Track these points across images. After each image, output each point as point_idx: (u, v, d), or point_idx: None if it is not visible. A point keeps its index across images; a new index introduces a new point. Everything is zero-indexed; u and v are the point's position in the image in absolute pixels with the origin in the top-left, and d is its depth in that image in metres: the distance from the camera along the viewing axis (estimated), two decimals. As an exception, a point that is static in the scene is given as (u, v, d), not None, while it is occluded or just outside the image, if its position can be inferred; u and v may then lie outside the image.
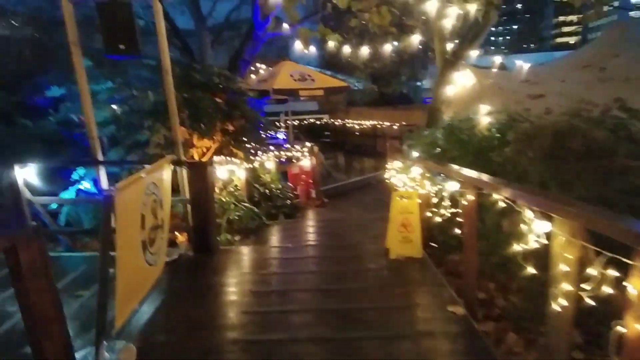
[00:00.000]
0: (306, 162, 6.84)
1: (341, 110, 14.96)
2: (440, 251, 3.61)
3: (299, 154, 6.78)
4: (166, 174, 3.17)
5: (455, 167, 2.70)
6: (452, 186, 2.66)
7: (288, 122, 9.23)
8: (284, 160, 6.78)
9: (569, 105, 4.85)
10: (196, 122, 4.55)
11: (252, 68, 10.16)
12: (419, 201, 3.34)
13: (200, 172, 3.55)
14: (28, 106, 6.70)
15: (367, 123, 11.07)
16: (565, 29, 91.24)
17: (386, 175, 5.27)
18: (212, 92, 4.86)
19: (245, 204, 4.67)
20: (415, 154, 5.78)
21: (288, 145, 8.43)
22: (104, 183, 3.58)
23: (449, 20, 8.21)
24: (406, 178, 4.13)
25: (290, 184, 6.49)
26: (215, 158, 4.73)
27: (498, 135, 4.31)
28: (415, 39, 9.11)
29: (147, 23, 8.18)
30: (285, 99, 9.81)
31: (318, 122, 14.02)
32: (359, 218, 5.64)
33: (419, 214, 3.29)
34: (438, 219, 3.16)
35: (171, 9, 12.26)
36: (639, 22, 6.59)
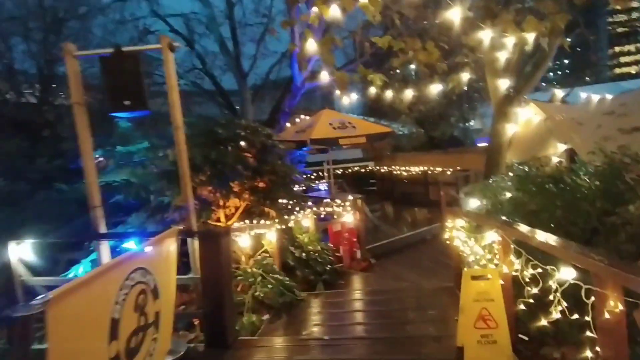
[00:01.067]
0: (349, 218, 6.05)
1: (387, 157, 14.22)
2: (533, 344, 2.56)
3: (340, 209, 6.03)
4: (168, 250, 2.55)
5: (574, 245, 1.75)
6: (567, 273, 1.71)
7: (330, 172, 8.61)
8: (323, 216, 6.05)
9: None
10: (221, 180, 4.02)
11: (297, 120, 9.93)
12: (502, 282, 2.38)
13: (213, 244, 2.90)
14: (69, 170, 6.73)
15: (417, 169, 10.17)
16: (623, 59, 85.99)
17: (446, 236, 4.30)
18: (240, 147, 4.38)
19: (276, 275, 3.92)
20: (474, 202, 4.81)
21: (329, 199, 7.77)
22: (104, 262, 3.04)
23: (503, 53, 7.44)
24: (475, 244, 3.18)
25: (332, 245, 5.69)
26: (239, 222, 4.12)
27: (597, 182, 3.30)
28: (465, 77, 8.38)
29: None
30: (327, 149, 9.32)
31: (363, 170, 13.32)
32: (415, 289, 4.62)
33: (503, 301, 2.32)
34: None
35: (216, 70, 12.80)
36: None
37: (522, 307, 2.15)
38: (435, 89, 9.09)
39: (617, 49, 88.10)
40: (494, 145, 8.55)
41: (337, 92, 9.26)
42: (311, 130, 6.92)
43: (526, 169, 4.17)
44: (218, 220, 4.23)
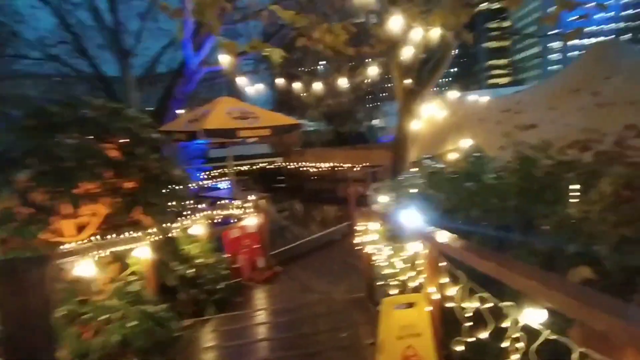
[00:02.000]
0: (251, 221, 5.24)
1: (296, 152, 13.68)
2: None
3: (241, 211, 5.18)
4: None
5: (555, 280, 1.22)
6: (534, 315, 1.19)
7: (233, 168, 7.65)
8: (221, 220, 5.14)
9: (568, 136, 3.72)
10: (58, 179, 2.87)
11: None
12: (430, 309, 1.86)
13: (18, 280, 1.86)
14: None
15: (326, 165, 9.77)
16: (496, 72, 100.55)
17: (356, 241, 3.79)
18: (95, 135, 3.25)
19: (144, 306, 2.93)
20: (384, 200, 4.44)
21: (229, 200, 6.86)
22: None
23: (409, 49, 7.34)
24: (392, 254, 2.66)
25: (228, 254, 4.82)
26: (96, 236, 3.02)
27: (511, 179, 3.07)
28: (372, 71, 8.18)
29: None
30: (227, 142, 8.34)
31: (270, 167, 12.55)
32: (325, 303, 4.01)
33: (432, 334, 1.80)
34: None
35: (94, 49, 10.71)
36: (619, 43, 5.87)
37: (460, 347, 1.63)
38: (343, 82, 8.77)
39: (492, 62, 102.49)
40: (399, 141, 8.53)
41: (238, 78, 8.30)
42: (205, 119, 5.90)
43: (438, 165, 3.88)
44: (58, 233, 3.05)
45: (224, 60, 3.59)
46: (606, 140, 4.18)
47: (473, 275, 1.76)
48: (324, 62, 10.78)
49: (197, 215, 4.63)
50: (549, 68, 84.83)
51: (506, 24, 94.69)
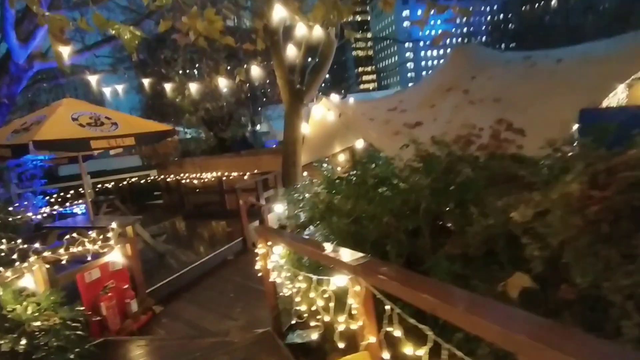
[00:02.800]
0: (114, 256, 4.08)
1: (173, 163, 12.15)
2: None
3: (96, 245, 3.98)
4: None
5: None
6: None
7: (89, 188, 6.09)
8: (67, 261, 3.86)
9: (450, 132, 3.81)
10: None
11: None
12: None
13: None
14: None
15: (210, 175, 8.76)
16: (365, 77, 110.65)
17: (257, 267, 3.15)
18: None
19: None
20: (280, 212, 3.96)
21: (86, 228, 5.45)
22: None
23: (291, 48, 6.97)
24: (307, 286, 2.12)
25: (86, 305, 3.63)
26: None
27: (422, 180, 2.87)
28: (254, 71, 7.58)
29: None
30: (89, 155, 6.77)
31: (143, 181, 10.83)
32: (224, 348, 3.22)
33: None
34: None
35: None
36: (478, 46, 6.51)
37: None
38: (222, 83, 7.95)
39: (360, 69, 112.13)
40: (288, 145, 8.11)
41: (92, 77, 6.75)
42: (39, 128, 4.45)
43: (333, 169, 3.52)
44: None
45: (59, 50, 2.55)
46: (483, 134, 4.41)
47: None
48: (199, 61, 9.72)
49: (30, 259, 3.34)
50: (407, 75, 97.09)
51: (369, 34, 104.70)
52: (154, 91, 9.79)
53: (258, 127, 22.13)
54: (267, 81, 13.78)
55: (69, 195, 8.17)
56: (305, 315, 2.17)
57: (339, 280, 1.61)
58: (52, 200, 7.24)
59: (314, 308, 1.93)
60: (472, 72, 5.69)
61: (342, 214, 2.94)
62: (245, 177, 8.06)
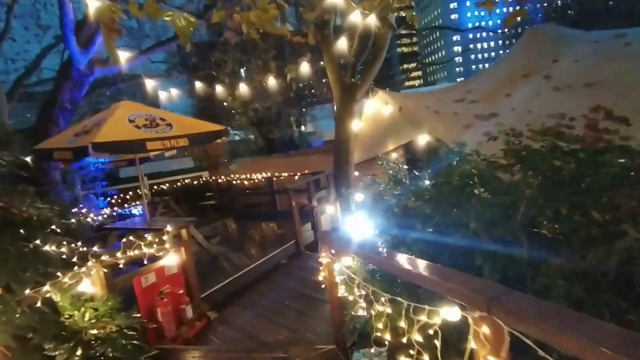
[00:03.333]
0: (170, 259, 3.97)
1: (224, 165, 12.31)
2: None
3: (154, 248, 3.87)
4: None
5: None
6: None
7: (144, 189, 6.17)
8: (124, 266, 3.79)
9: (534, 124, 3.18)
10: None
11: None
12: None
13: None
14: None
15: (260, 176, 8.65)
16: (412, 74, 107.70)
17: (321, 277, 2.82)
18: None
19: None
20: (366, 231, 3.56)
21: (144, 229, 5.47)
22: None
23: (343, 41, 6.59)
24: (396, 315, 1.73)
25: (141, 312, 3.52)
26: None
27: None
28: (304, 67, 7.31)
29: None
30: (135, 158, 6.89)
31: (195, 182, 11.03)
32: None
33: None
34: None
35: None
36: (555, 25, 5.72)
37: None
38: (271, 83, 7.76)
39: (405, 65, 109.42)
40: (340, 143, 7.74)
41: (148, 81, 6.81)
42: (98, 130, 4.47)
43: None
44: None
45: (113, 44, 2.39)
46: (576, 124, 3.77)
47: None
48: (248, 62, 9.66)
49: (89, 263, 3.27)
50: (456, 69, 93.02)
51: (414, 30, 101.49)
52: (205, 93, 9.90)
53: (303, 128, 22.06)
54: (313, 81, 13.58)
55: (127, 197, 8.45)
56: (387, 341, 1.79)
57: (450, 314, 1.21)
58: (112, 201, 7.48)
59: (404, 340, 1.55)
60: (553, 55, 4.99)
61: (419, 219, 2.53)
62: (296, 178, 7.81)
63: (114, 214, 6.74)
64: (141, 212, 6.76)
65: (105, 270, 3.39)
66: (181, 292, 3.97)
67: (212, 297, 4.50)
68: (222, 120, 12.10)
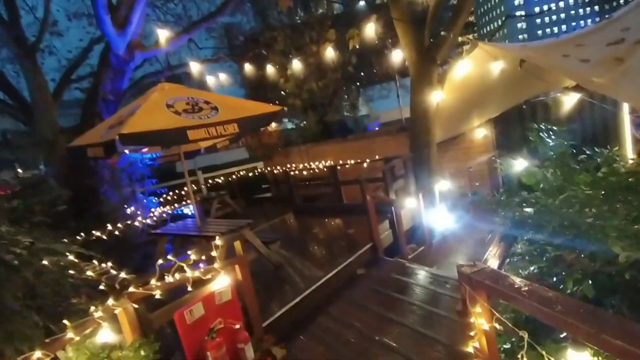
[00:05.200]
0: (221, 283, 3.01)
1: (279, 154, 11.44)
2: None
3: (199, 270, 2.92)
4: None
5: None
6: None
7: (190, 185, 5.35)
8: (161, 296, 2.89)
9: None
10: None
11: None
12: None
13: None
14: None
15: (322, 165, 7.55)
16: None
17: (471, 322, 1.62)
18: None
19: None
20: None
21: (197, 234, 4.69)
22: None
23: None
24: None
25: (187, 354, 2.60)
26: None
27: None
28: (370, 29, 5.99)
29: None
30: (197, 151, 6.13)
31: (250, 174, 10.29)
32: None
33: None
34: None
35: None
36: None
37: None
38: (329, 53, 6.54)
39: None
40: (417, 120, 6.32)
41: (193, 64, 6.01)
42: (130, 119, 3.62)
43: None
44: None
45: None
46: None
47: None
48: (301, 36, 8.54)
49: (109, 301, 2.38)
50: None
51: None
52: (255, 77, 8.95)
53: (361, 110, 20.63)
54: (373, 53, 12.11)
55: (182, 194, 7.85)
56: None
57: None
58: (163, 200, 6.86)
59: None
60: None
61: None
62: (365, 165, 6.60)
63: (164, 215, 6.04)
64: (192, 212, 6.00)
65: (136, 306, 2.49)
66: (238, 325, 3.00)
67: (276, 326, 3.51)
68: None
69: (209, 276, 2.92)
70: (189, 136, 3.65)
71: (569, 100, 6.96)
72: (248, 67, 8.66)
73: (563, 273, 1.42)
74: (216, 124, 3.88)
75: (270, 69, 8.34)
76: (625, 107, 5.76)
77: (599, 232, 1.30)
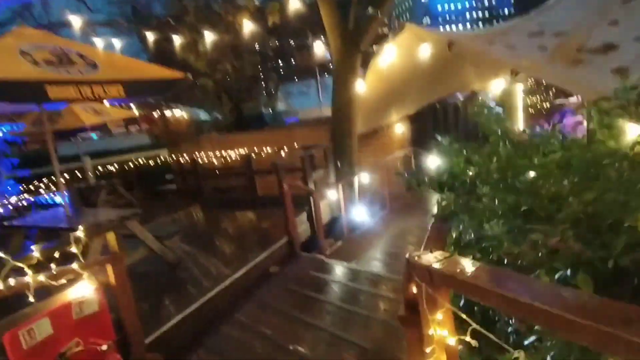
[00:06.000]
0: (80, 291, 2.20)
1: (189, 142, 10.26)
2: None
3: (46, 273, 2.09)
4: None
5: None
6: None
7: (80, 174, 4.20)
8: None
9: None
10: None
11: None
12: None
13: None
14: None
15: (234, 154, 6.80)
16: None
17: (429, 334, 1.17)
18: None
19: None
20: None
21: (66, 229, 3.72)
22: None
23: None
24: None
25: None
26: None
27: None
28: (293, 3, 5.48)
29: None
30: (79, 129, 4.98)
31: (152, 163, 9.01)
32: None
33: None
34: None
35: None
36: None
37: None
38: (248, 26, 5.89)
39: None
40: (340, 109, 6.00)
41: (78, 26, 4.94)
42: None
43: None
44: None
45: None
46: None
47: None
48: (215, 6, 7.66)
49: None
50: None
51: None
52: (159, 49, 7.81)
53: (280, 105, 20.06)
54: (294, 44, 11.66)
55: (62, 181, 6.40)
56: None
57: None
58: (28, 187, 5.45)
59: None
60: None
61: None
62: (282, 155, 6.08)
63: (25, 203, 4.73)
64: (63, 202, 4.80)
65: None
66: (106, 346, 2.22)
67: (167, 341, 2.78)
68: (183, 87, 9.84)
69: (63, 281, 2.11)
70: (48, 93, 2.72)
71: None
72: (152, 39, 7.48)
73: (540, 262, 1.08)
74: (92, 82, 2.99)
75: (178, 43, 7.30)
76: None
77: (616, 208, 0.96)
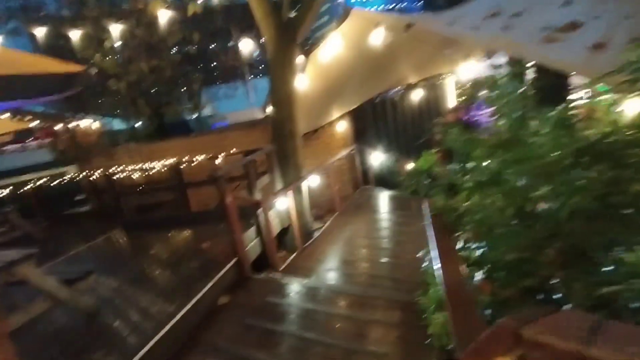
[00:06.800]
0: None
1: (102, 155, 8.85)
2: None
3: None
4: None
5: None
6: None
7: None
8: None
9: None
10: None
11: None
12: None
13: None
14: None
15: (158, 165, 5.86)
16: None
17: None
18: None
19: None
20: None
21: None
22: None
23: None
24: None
25: None
26: None
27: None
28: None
29: None
30: None
31: (56, 183, 7.56)
32: None
33: None
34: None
35: None
36: None
37: None
38: (165, 16, 5.07)
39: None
40: (279, 107, 5.48)
41: None
42: None
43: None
44: None
45: None
46: None
47: None
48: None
49: None
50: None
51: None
52: (54, 48, 6.56)
53: (207, 110, 18.77)
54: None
55: None
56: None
57: None
58: None
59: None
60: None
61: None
62: (217, 162, 5.35)
63: None
64: None
65: None
66: None
67: None
68: (87, 92, 8.36)
69: None
70: None
71: (414, 96, 7.38)
72: (42, 35, 6.24)
73: None
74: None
75: (77, 39, 6.16)
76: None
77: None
